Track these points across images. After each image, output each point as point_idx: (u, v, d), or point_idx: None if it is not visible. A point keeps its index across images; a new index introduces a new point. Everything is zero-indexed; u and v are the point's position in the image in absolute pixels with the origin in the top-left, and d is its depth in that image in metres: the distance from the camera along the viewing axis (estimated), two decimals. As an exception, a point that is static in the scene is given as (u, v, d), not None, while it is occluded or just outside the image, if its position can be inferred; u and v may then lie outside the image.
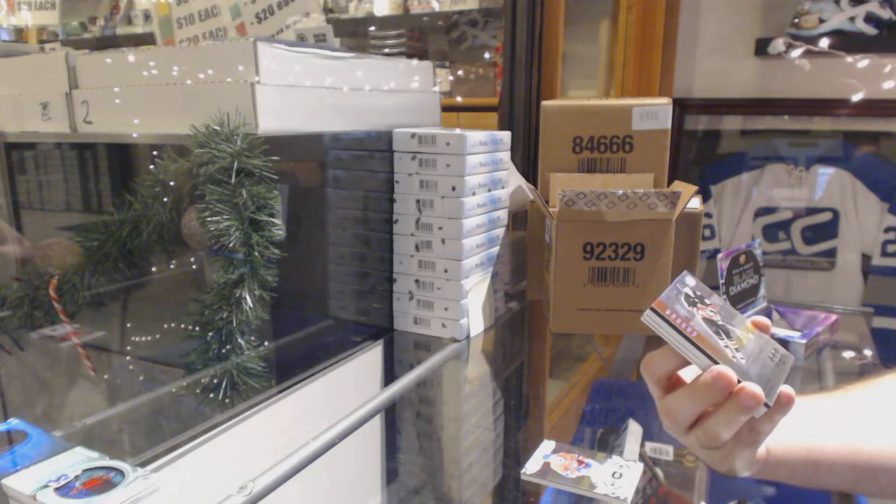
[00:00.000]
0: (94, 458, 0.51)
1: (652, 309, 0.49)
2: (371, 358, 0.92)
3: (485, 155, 0.95)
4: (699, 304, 0.53)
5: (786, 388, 0.49)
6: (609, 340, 1.13)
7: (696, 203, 0.98)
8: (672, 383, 0.53)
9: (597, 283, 0.91)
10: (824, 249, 1.82)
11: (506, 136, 1.01)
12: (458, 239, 0.93)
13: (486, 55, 2.56)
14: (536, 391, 0.98)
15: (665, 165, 0.97)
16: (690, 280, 0.55)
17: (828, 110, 1.79)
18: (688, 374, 0.53)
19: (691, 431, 0.51)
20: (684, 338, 0.49)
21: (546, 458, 0.63)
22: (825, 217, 1.81)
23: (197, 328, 0.71)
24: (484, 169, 0.95)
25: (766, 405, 0.48)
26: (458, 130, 0.94)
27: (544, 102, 0.99)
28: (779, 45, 1.73)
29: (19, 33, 1.88)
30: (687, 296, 0.53)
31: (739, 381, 0.47)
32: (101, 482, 0.49)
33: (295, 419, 0.76)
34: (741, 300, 0.98)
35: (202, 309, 0.71)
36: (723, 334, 0.51)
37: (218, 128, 0.71)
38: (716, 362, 0.48)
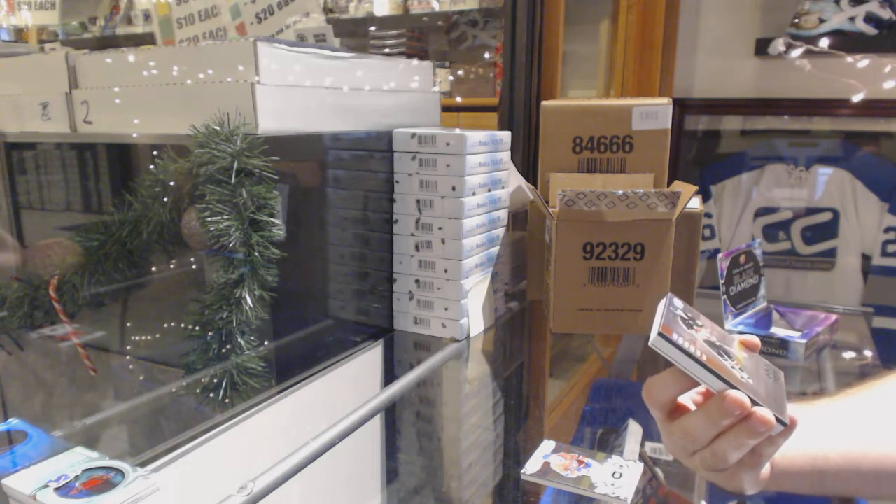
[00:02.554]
0: (94, 458, 0.51)
1: (660, 334, 0.48)
2: (371, 358, 0.92)
3: (485, 155, 0.95)
4: (694, 326, 0.52)
5: (790, 413, 0.49)
6: (609, 340, 1.13)
7: (696, 203, 0.98)
8: (673, 408, 0.53)
9: (597, 283, 0.91)
10: (824, 249, 1.82)
11: (506, 136, 1.01)
12: (458, 239, 0.93)
13: (486, 55, 2.56)
14: (536, 391, 0.98)
15: (665, 165, 0.97)
16: (678, 302, 0.55)
17: (828, 110, 1.79)
18: (685, 397, 0.53)
19: (696, 454, 0.51)
20: (695, 361, 0.48)
21: (546, 458, 0.63)
22: (825, 217, 1.81)
23: (197, 328, 0.71)
24: (484, 169, 0.95)
25: (781, 423, 0.47)
26: (458, 130, 0.94)
27: (544, 102, 0.99)
28: (779, 45, 1.73)
29: (19, 33, 1.88)
30: (682, 318, 0.52)
31: (754, 402, 0.47)
32: (101, 482, 0.49)
33: (295, 419, 0.76)
34: (741, 300, 0.98)
35: (202, 309, 0.71)
36: (724, 355, 0.51)
37: (218, 128, 0.71)
38: (729, 384, 0.48)
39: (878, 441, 0.57)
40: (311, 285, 0.87)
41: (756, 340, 0.55)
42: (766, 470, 0.54)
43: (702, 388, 0.53)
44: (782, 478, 0.55)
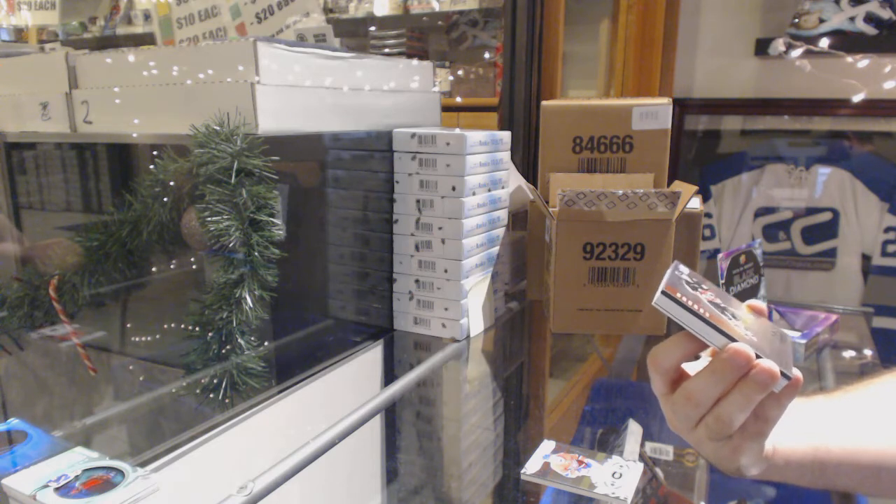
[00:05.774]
0: (94, 458, 0.51)
1: (663, 292, 0.49)
2: (371, 358, 0.92)
3: (485, 155, 0.95)
4: (699, 289, 0.53)
5: (794, 371, 0.48)
6: (609, 340, 1.13)
7: (696, 203, 0.98)
8: (677, 377, 0.52)
9: (597, 283, 0.91)
10: (824, 249, 1.82)
11: (506, 136, 1.01)
12: (458, 239, 0.93)
13: (486, 55, 2.56)
14: (536, 391, 0.98)
15: (665, 165, 0.97)
16: (684, 268, 0.55)
17: (828, 110, 1.79)
18: (690, 368, 0.53)
19: (701, 422, 0.51)
20: (698, 318, 0.48)
21: (546, 458, 0.63)
22: (825, 217, 1.81)
23: (197, 328, 0.71)
24: (484, 169, 0.95)
25: (785, 376, 0.47)
26: (458, 130, 0.94)
27: (544, 102, 0.99)
28: (779, 45, 1.73)
29: (19, 33, 1.88)
30: (687, 282, 0.53)
31: (758, 356, 0.47)
32: (101, 482, 0.49)
33: (295, 419, 0.76)
34: (741, 300, 0.98)
35: (202, 309, 0.71)
36: (729, 315, 0.51)
37: (218, 128, 0.71)
38: (732, 339, 0.48)
39: (876, 436, 0.57)
40: (311, 285, 0.87)
41: (763, 306, 0.55)
42: (769, 448, 0.53)
43: (705, 362, 0.52)
44: (784, 466, 0.55)
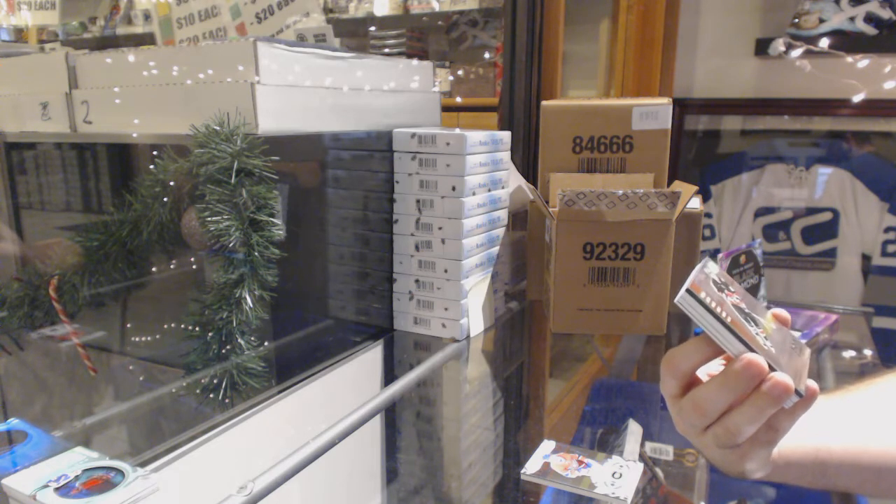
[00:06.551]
0: (94, 458, 0.51)
1: (687, 291, 0.47)
2: (371, 358, 0.92)
3: (485, 155, 0.95)
4: (726, 291, 0.51)
5: (810, 382, 0.47)
6: (609, 340, 1.13)
7: (696, 203, 0.98)
8: (690, 382, 0.51)
9: (597, 283, 0.91)
10: (824, 249, 1.82)
11: (506, 136, 1.01)
12: (458, 239, 0.93)
13: (486, 55, 2.56)
14: (536, 391, 0.98)
15: (665, 165, 0.97)
16: (713, 266, 0.53)
17: (828, 110, 1.79)
18: (700, 371, 0.52)
19: (709, 430, 0.50)
20: (719, 322, 0.47)
21: (546, 458, 0.63)
22: (825, 217, 1.81)
23: (197, 328, 0.71)
24: (484, 169, 0.95)
25: (797, 393, 0.46)
26: (458, 130, 0.94)
27: (544, 102, 0.99)
28: (779, 45, 1.73)
29: (19, 33, 1.88)
30: (714, 281, 0.51)
31: (773, 370, 0.46)
32: (101, 482, 0.49)
33: (295, 419, 0.76)
34: (741, 300, 0.98)
35: (202, 309, 0.71)
36: (751, 321, 0.49)
37: (218, 128, 0.71)
38: (750, 348, 0.46)
39: (877, 437, 0.57)
40: (311, 285, 0.87)
41: (787, 315, 0.54)
42: (773, 452, 0.53)
43: (718, 368, 0.52)
44: (786, 468, 0.55)
